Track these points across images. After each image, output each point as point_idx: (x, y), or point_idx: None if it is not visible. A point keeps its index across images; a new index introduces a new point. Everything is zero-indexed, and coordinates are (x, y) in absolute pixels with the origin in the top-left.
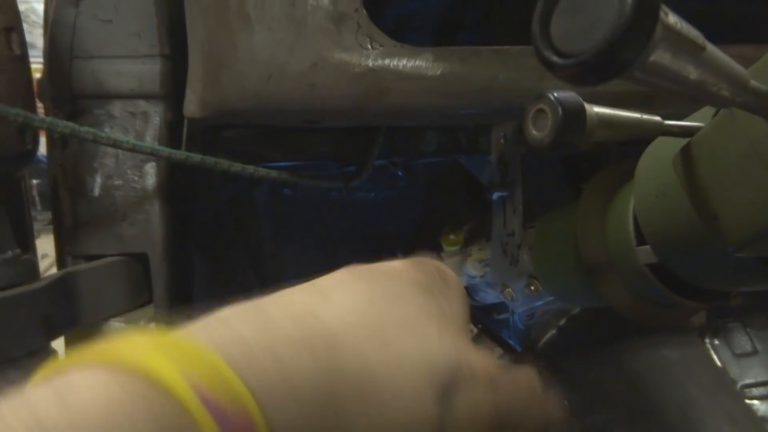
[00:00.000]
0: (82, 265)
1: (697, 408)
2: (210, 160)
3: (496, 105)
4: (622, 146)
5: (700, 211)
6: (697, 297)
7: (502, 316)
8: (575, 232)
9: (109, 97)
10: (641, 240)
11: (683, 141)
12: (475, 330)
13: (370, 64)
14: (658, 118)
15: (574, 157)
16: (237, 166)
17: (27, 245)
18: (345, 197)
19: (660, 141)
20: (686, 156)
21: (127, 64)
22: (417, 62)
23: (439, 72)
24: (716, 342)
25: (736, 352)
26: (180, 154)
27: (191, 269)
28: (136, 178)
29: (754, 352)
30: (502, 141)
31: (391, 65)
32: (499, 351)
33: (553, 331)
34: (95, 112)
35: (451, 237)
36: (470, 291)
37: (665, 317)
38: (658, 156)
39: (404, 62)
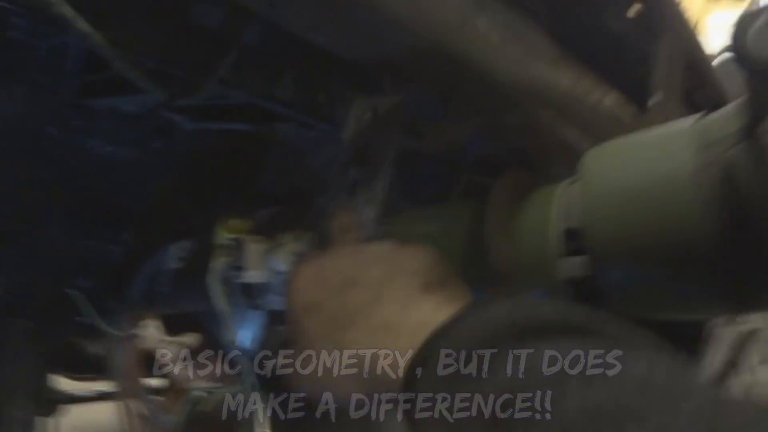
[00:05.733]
0: None
1: None
2: None
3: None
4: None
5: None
6: None
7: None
8: (453, 239)
9: None
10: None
11: (668, 144)
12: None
13: None
14: None
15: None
16: None
17: None
18: (70, 141)
19: (620, 147)
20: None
21: None
22: None
23: None
24: None
25: None
26: None
27: None
28: None
29: None
30: (368, 116)
31: None
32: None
33: None
34: None
35: (234, 223)
36: (253, 291)
37: None
38: (624, 163)
39: None
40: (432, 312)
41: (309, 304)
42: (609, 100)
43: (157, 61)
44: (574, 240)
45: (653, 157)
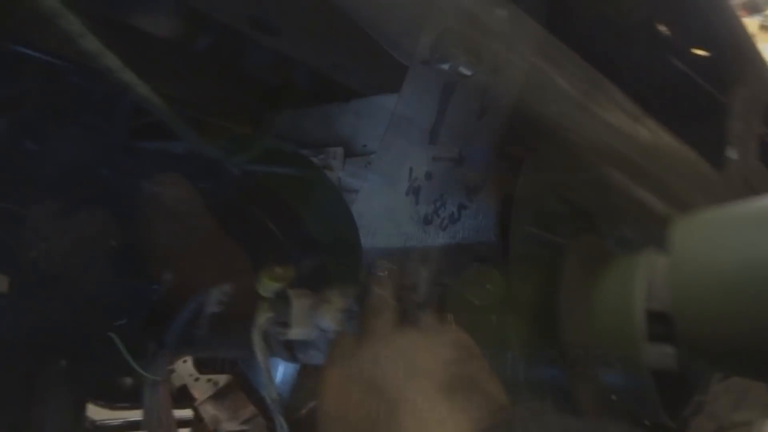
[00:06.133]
0: None
1: None
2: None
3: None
4: None
5: None
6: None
7: None
8: (517, 307)
9: None
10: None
11: None
12: (222, 381)
13: None
14: None
15: None
16: (92, 44)
17: None
18: (121, 181)
19: (714, 220)
20: None
21: None
22: None
23: None
24: None
25: None
26: None
27: None
28: None
29: None
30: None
31: None
32: (251, 410)
33: None
34: None
35: (278, 271)
36: (295, 347)
37: None
38: (721, 239)
39: None
40: (450, 424)
41: (336, 413)
42: (686, 157)
43: (213, 116)
44: (661, 324)
45: (759, 234)
